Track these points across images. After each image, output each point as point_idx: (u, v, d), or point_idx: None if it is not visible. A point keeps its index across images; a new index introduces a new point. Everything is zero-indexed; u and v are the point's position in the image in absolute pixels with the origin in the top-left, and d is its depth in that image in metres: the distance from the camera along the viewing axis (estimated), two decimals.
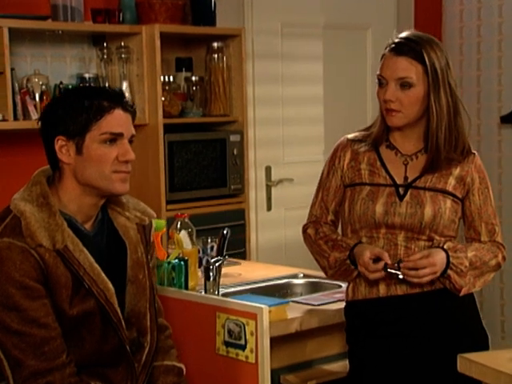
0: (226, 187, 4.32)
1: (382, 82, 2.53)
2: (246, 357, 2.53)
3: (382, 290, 2.54)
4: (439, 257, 2.47)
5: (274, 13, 4.65)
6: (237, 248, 4.28)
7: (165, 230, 2.88)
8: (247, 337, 2.52)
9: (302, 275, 3.20)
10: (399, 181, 2.56)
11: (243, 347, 2.53)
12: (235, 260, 3.53)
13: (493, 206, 2.62)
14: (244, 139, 4.36)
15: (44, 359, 2.12)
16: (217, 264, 2.79)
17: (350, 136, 2.67)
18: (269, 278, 3.18)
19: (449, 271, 2.49)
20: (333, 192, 2.63)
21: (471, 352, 2.24)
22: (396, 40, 2.53)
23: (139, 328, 2.32)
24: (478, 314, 2.64)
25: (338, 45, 4.94)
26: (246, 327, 2.52)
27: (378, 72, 2.55)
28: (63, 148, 2.21)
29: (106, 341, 2.24)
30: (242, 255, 4.29)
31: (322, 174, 2.68)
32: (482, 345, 2.58)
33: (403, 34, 2.55)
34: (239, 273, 3.29)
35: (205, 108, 4.35)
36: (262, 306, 2.50)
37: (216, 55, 4.32)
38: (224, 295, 2.90)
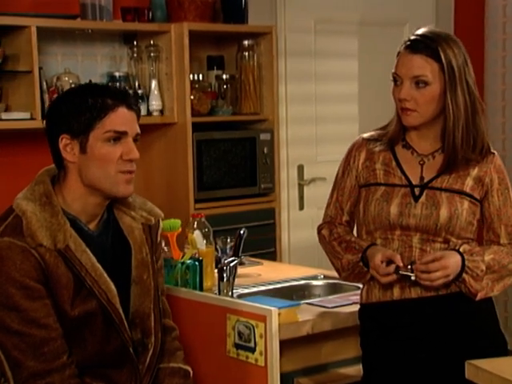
0: (255, 186, 4.27)
1: (397, 81, 2.46)
2: (256, 360, 2.48)
3: (396, 292, 2.46)
4: (453, 260, 2.39)
5: (307, 10, 4.59)
6: (266, 248, 4.24)
7: (180, 229, 2.83)
8: (257, 339, 2.47)
9: (322, 276, 3.12)
10: (415, 181, 2.48)
11: (253, 350, 2.49)
12: (257, 260, 3.47)
13: None
14: (274, 138, 4.31)
15: (43, 360, 2.09)
16: (231, 264, 2.74)
17: (366, 135, 2.60)
18: (287, 279, 3.11)
19: (464, 275, 2.40)
20: (348, 192, 2.56)
21: (488, 358, 2.16)
22: (412, 37, 2.45)
23: (143, 329, 2.29)
24: (495, 318, 2.54)
25: (374, 41, 4.85)
26: (256, 329, 2.47)
27: (393, 70, 2.48)
28: (67, 146, 2.18)
29: (108, 342, 2.20)
30: (272, 255, 4.24)
31: (337, 173, 2.61)
32: (499, 350, 2.48)
33: (419, 31, 2.47)
34: (259, 273, 3.24)
35: (235, 106, 4.31)
36: (272, 308, 2.46)
37: (247, 53, 4.28)
38: (239, 296, 2.86)
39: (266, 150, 4.27)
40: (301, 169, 4.64)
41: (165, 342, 2.39)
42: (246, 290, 2.94)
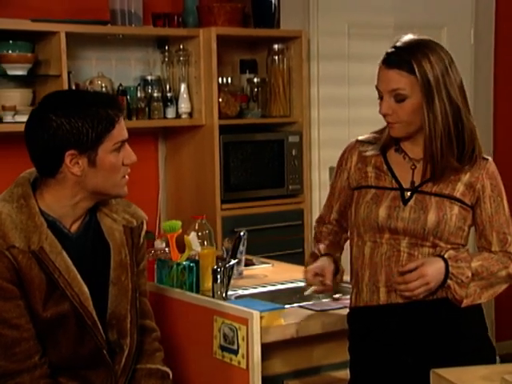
0: (283, 187, 4.19)
1: (379, 95, 2.35)
2: (239, 362, 2.42)
3: (383, 297, 2.35)
4: (434, 267, 2.27)
5: (340, 14, 4.47)
6: (294, 248, 4.17)
7: (180, 231, 2.78)
8: (239, 342, 2.41)
9: None
10: (405, 185, 2.37)
11: (236, 352, 2.42)
12: (267, 261, 3.39)
13: (506, 215, 2.38)
14: (303, 140, 4.23)
15: (14, 360, 2.06)
16: (226, 266, 2.67)
17: (360, 138, 2.50)
18: (291, 281, 3.02)
19: (449, 281, 2.28)
20: (337, 192, 2.50)
21: (475, 364, 2.07)
22: (389, 50, 2.34)
23: (119, 330, 2.23)
24: (483, 326, 2.41)
25: None
26: (239, 332, 2.41)
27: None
28: (73, 161, 2.11)
29: (82, 343, 2.15)
30: (300, 255, 4.14)
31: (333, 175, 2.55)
32: (487, 357, 2.35)
33: (398, 42, 2.35)
34: (266, 275, 3.15)
35: (265, 109, 4.24)
36: (253, 311, 2.38)
37: (277, 57, 4.21)
38: (237, 297, 2.79)
39: (294, 152, 4.19)
40: (332, 170, 4.51)
41: (144, 343, 2.33)
42: (246, 292, 2.86)
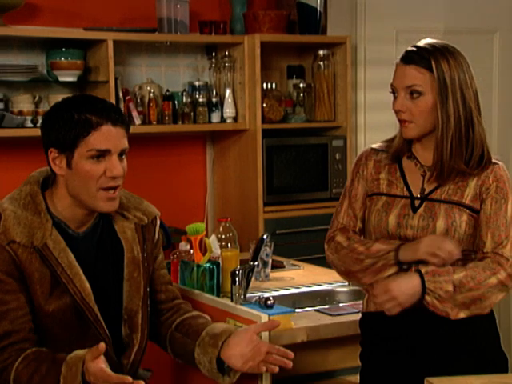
0: (326, 191, 4.12)
1: (394, 93, 2.28)
2: None
3: None
4: (400, 282, 2.15)
5: (388, 20, 4.35)
6: None
7: (204, 233, 2.76)
8: None
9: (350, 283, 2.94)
10: (416, 192, 2.29)
11: None
12: (298, 263, 3.33)
13: (507, 218, 2.23)
14: (347, 144, 4.15)
15: (2, 352, 2.07)
16: (245, 268, 2.63)
17: (374, 146, 2.43)
18: (316, 284, 2.95)
19: (426, 297, 2.16)
20: (360, 199, 2.36)
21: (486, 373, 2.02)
22: (408, 49, 2.28)
23: (131, 325, 2.24)
24: (495, 333, 2.30)
25: (461, 50, 4.54)
26: None
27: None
28: (56, 159, 2.13)
29: (85, 338, 2.15)
30: None
31: (347, 182, 2.44)
32: (499, 367, 2.25)
33: (418, 43, 2.29)
34: (293, 277, 3.10)
35: (309, 114, 4.19)
36: (262, 314, 2.34)
37: (322, 63, 4.15)
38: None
39: (338, 156, 4.12)
40: None
41: (180, 307, 2.40)
42: (267, 294, 2.80)
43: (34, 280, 2.10)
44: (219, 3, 4.21)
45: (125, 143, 2.16)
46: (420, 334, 2.26)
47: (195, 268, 2.68)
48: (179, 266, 2.77)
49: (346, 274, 2.34)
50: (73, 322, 2.14)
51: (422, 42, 2.27)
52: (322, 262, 3.53)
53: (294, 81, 4.24)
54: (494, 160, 2.28)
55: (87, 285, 2.14)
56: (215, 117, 3.96)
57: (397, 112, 2.26)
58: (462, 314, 2.19)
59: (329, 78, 4.16)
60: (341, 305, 2.66)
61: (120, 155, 2.15)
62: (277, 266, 3.25)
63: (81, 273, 2.14)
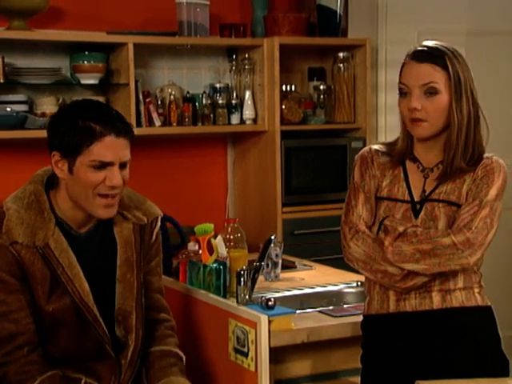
0: (345, 192, 4.03)
1: (403, 92, 2.23)
2: (248, 365, 2.36)
3: (392, 305, 2.24)
4: None
5: (410, 22, 4.29)
6: None
7: (213, 233, 2.74)
8: (249, 345, 2.35)
9: (359, 283, 2.90)
10: (417, 195, 2.24)
11: (246, 355, 2.37)
12: (310, 264, 3.29)
13: (483, 200, 2.15)
14: (366, 145, 4.09)
15: (6, 352, 2.08)
16: (251, 270, 2.61)
17: (375, 147, 2.38)
18: (325, 285, 2.92)
19: (379, 232, 2.21)
20: (373, 196, 2.28)
21: (487, 377, 2.01)
22: (418, 48, 2.22)
23: (125, 326, 2.22)
24: (496, 336, 2.24)
25: (484, 52, 4.45)
26: (249, 335, 2.35)
27: (399, 81, 2.25)
28: (58, 163, 2.13)
29: (84, 337, 2.15)
30: None
31: (355, 180, 2.33)
32: (499, 370, 2.20)
33: (425, 43, 2.24)
34: (303, 278, 3.06)
35: (329, 116, 4.15)
36: (261, 314, 2.32)
37: (342, 65, 4.11)
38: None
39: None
40: None
41: (156, 330, 2.32)
42: (276, 295, 2.78)
43: (36, 280, 2.10)
44: (240, 6, 4.20)
45: (127, 155, 2.14)
46: (421, 336, 2.22)
47: (202, 268, 2.67)
48: (187, 265, 2.76)
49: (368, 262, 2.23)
50: (72, 321, 2.14)
51: (430, 43, 2.22)
52: (340, 263, 3.48)
53: (315, 83, 4.21)
54: (486, 155, 2.23)
55: (86, 285, 2.13)
56: (235, 118, 3.95)
57: (411, 110, 2.19)
58: (409, 266, 2.14)
59: (349, 80, 4.12)
60: (345, 306, 2.63)
61: (121, 166, 2.13)
62: (288, 266, 3.22)
63: (81, 273, 2.13)
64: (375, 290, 2.28)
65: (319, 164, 4.01)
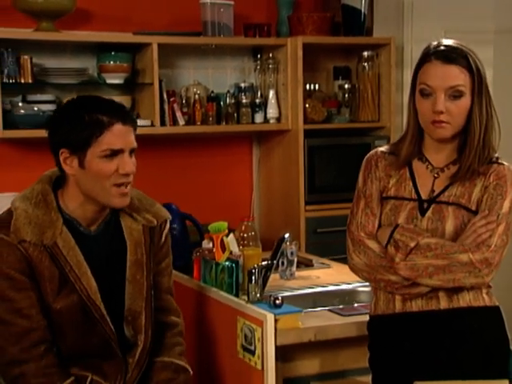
0: None
1: (425, 93, 2.14)
2: (255, 363, 2.34)
3: (398, 305, 2.20)
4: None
5: (436, 20, 4.21)
6: None
7: (226, 231, 2.73)
8: (256, 343, 2.33)
9: None
10: (425, 195, 2.20)
11: (253, 353, 2.35)
12: (328, 262, 3.26)
13: (499, 214, 2.10)
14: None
15: (22, 349, 2.08)
16: (263, 268, 2.59)
17: (382, 148, 2.35)
18: (339, 283, 2.87)
19: (388, 245, 2.13)
20: (376, 199, 2.26)
21: (495, 378, 1.99)
22: (440, 48, 2.14)
23: (134, 326, 2.21)
24: (504, 337, 2.19)
25: None
26: (255, 333, 2.33)
27: (421, 81, 2.15)
28: (67, 160, 2.13)
29: (91, 335, 2.15)
30: None
31: (358, 184, 2.34)
32: (508, 371, 2.15)
33: (445, 42, 2.16)
34: (318, 276, 3.03)
35: (354, 114, 4.11)
36: (267, 313, 2.30)
37: (366, 64, 4.06)
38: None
39: None
40: None
41: (164, 337, 2.30)
42: (288, 293, 2.76)
43: (44, 278, 2.10)
44: (267, 6, 4.18)
45: (134, 142, 2.15)
46: (427, 337, 2.17)
47: (214, 266, 2.66)
48: (201, 263, 2.75)
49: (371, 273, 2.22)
50: (80, 319, 2.13)
51: (450, 42, 2.15)
52: None
53: (340, 82, 4.16)
54: (500, 161, 2.18)
55: (94, 283, 2.13)
56: (259, 117, 3.93)
57: (436, 113, 2.12)
58: (418, 277, 2.10)
59: (373, 78, 4.07)
60: (355, 305, 2.59)
61: (130, 153, 2.14)
62: (306, 264, 3.19)
63: (88, 272, 2.13)
64: (381, 291, 2.25)
65: (342, 163, 3.97)
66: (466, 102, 2.11)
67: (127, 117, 2.14)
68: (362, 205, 2.29)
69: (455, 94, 2.10)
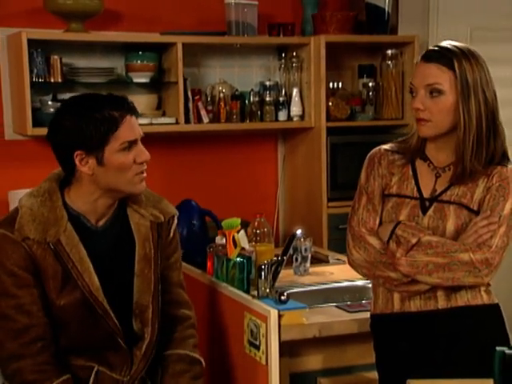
0: None
1: (413, 92, 2.17)
2: (260, 358, 2.35)
3: (397, 305, 2.19)
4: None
5: (462, 18, 4.14)
6: None
7: (239, 227, 2.73)
8: (260, 338, 2.34)
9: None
10: (426, 194, 2.19)
11: (258, 348, 2.35)
12: (344, 258, 3.22)
13: (501, 215, 2.08)
14: None
15: (21, 344, 2.09)
16: (272, 264, 2.58)
17: (386, 146, 2.33)
18: (352, 279, 2.85)
19: (389, 241, 2.12)
20: (378, 196, 2.24)
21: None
22: (431, 48, 2.17)
23: (142, 319, 2.23)
24: (503, 335, 2.16)
25: None
26: (260, 329, 2.34)
27: (410, 81, 2.20)
28: (83, 161, 2.12)
29: (95, 330, 2.16)
30: None
31: (361, 181, 2.32)
32: None
33: (440, 44, 2.17)
34: (332, 272, 3.02)
35: (377, 112, 4.07)
36: (271, 309, 2.30)
37: (390, 62, 4.02)
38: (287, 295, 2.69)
39: None
40: None
41: (176, 331, 2.31)
42: (300, 289, 2.76)
43: (47, 275, 2.12)
44: (292, 5, 4.16)
45: (141, 130, 2.18)
46: (425, 337, 2.16)
47: (225, 261, 2.67)
48: (214, 259, 2.76)
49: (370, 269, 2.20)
50: (83, 315, 2.15)
51: (445, 43, 2.15)
52: None
53: (365, 80, 4.13)
54: (504, 162, 2.14)
55: (96, 280, 2.14)
56: (282, 115, 3.93)
57: (415, 110, 2.14)
58: (417, 274, 2.07)
59: (397, 76, 4.04)
60: (363, 301, 2.57)
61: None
62: (322, 260, 3.18)
63: (91, 268, 2.14)
64: (380, 289, 2.24)
65: (364, 160, 3.93)
66: (446, 100, 2.09)
67: (132, 107, 2.17)
68: (364, 201, 2.27)
69: (434, 92, 2.09)
